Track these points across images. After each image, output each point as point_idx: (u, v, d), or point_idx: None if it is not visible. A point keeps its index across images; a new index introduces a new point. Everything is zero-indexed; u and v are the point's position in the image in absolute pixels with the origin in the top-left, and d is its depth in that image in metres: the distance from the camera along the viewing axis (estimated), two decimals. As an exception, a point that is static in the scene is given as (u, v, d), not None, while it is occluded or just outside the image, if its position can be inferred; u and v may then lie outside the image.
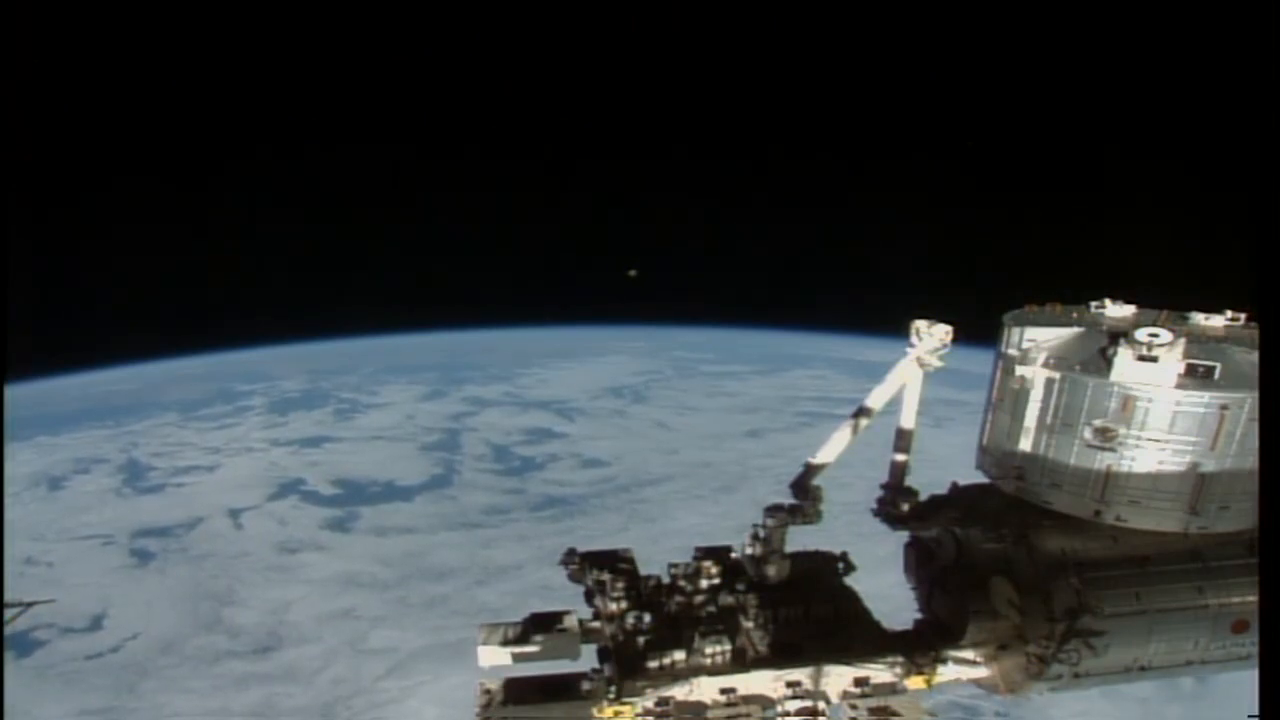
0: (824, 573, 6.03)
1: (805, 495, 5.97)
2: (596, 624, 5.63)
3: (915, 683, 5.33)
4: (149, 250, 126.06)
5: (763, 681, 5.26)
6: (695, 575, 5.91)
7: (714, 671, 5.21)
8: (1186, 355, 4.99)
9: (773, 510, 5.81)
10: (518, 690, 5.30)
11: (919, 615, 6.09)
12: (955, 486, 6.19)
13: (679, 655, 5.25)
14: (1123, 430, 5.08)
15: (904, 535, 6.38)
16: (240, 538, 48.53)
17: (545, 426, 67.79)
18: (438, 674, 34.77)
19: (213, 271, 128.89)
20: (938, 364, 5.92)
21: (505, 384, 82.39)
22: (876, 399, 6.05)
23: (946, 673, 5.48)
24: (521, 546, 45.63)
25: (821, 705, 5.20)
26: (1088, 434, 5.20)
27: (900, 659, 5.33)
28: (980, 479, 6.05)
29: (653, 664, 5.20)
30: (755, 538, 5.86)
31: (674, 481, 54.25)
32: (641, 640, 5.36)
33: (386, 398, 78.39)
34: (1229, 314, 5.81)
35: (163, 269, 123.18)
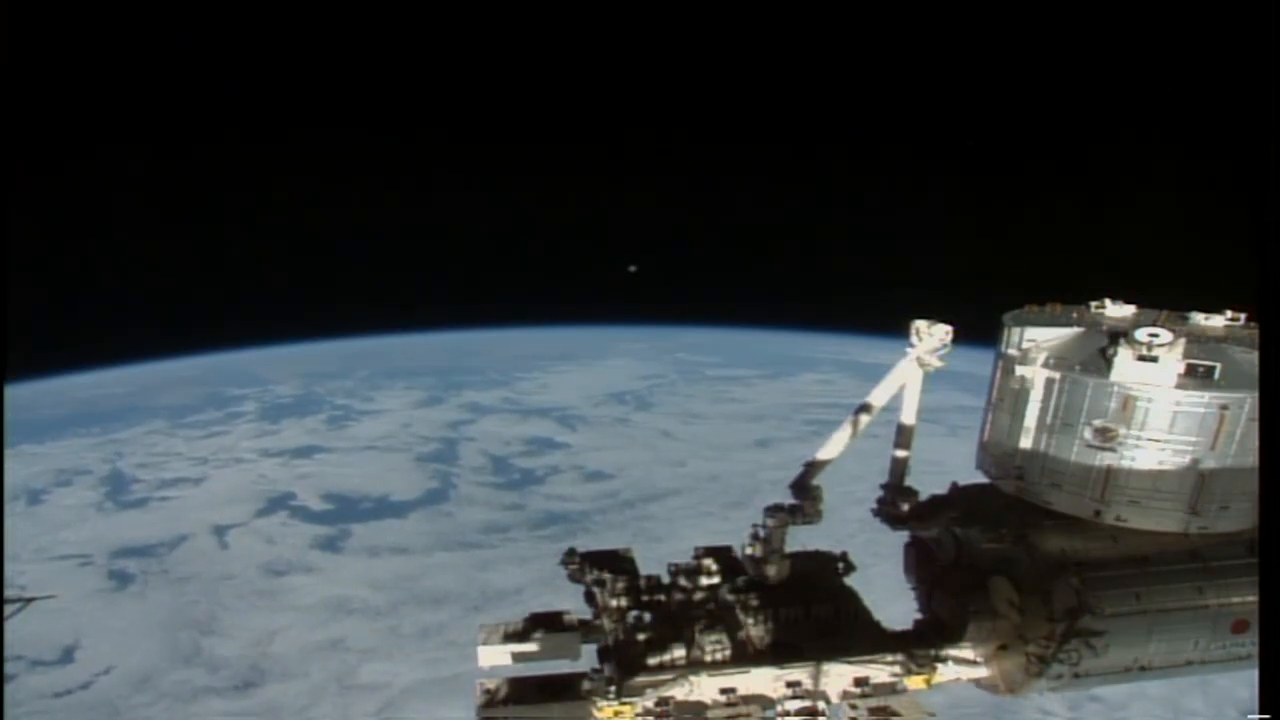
0: (824, 573, 6.34)
1: (805, 495, 6.29)
2: (597, 622, 5.97)
3: (915, 683, 5.62)
4: (142, 249, 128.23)
5: (763, 681, 5.57)
6: (695, 573, 6.25)
7: (714, 668, 5.52)
8: (1186, 355, 5.29)
9: (773, 510, 6.14)
10: (518, 690, 5.64)
11: (919, 615, 6.38)
12: (955, 486, 6.49)
13: (679, 652, 5.57)
14: (1123, 430, 5.38)
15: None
16: (225, 558, 48.62)
17: (546, 436, 68.05)
18: (432, 713, 34.24)
19: (207, 271, 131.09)
20: (938, 364, 6.25)
21: (504, 389, 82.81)
22: (877, 398, 6.39)
23: (946, 672, 5.77)
24: (521, 569, 45.55)
25: (821, 705, 5.50)
26: (1088, 434, 5.50)
27: (900, 659, 5.62)
28: (980, 479, 6.35)
29: (653, 661, 5.51)
30: (755, 538, 6.18)
31: (681, 496, 54.34)
32: (641, 639, 5.69)
33: (381, 404, 78.97)
34: (1229, 314, 6.10)
35: (156, 268, 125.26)
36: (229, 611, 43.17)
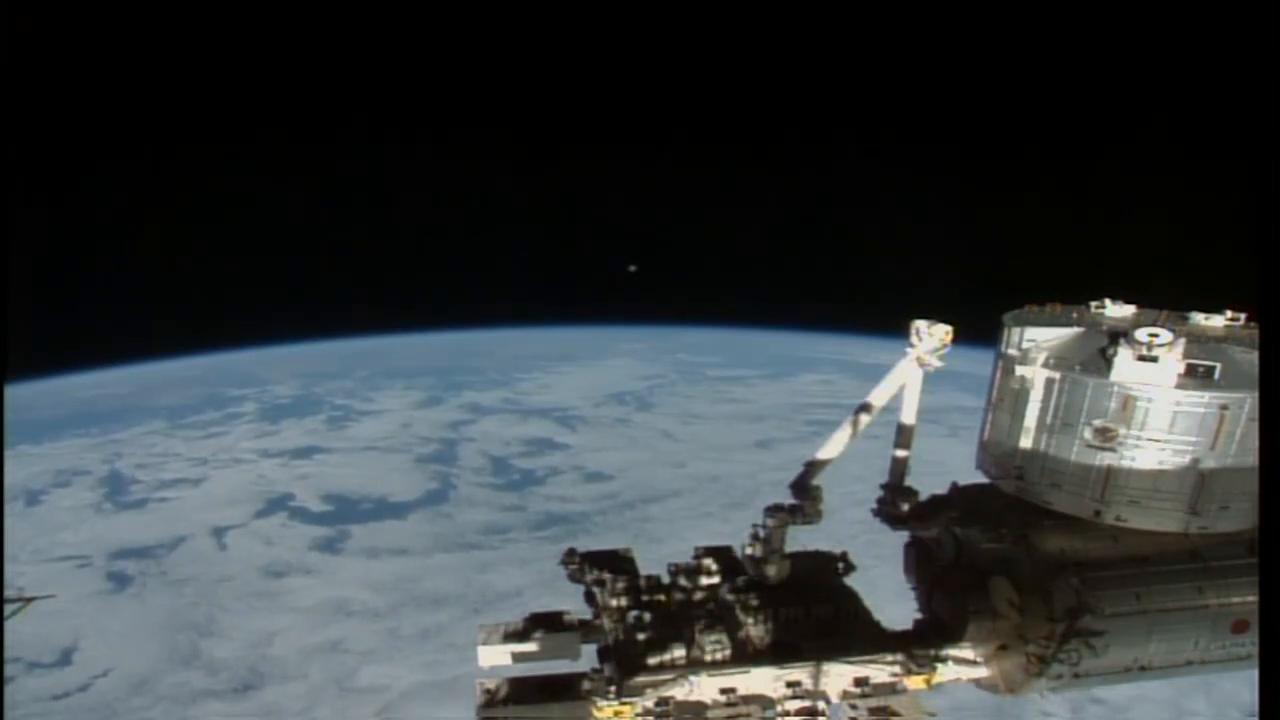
0: (824, 573, 6.37)
1: (805, 495, 6.32)
2: (597, 622, 6.00)
3: (915, 683, 5.64)
4: (140, 248, 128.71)
5: (763, 681, 5.60)
6: (695, 573, 6.28)
7: (714, 668, 5.55)
8: (1186, 355, 5.31)
9: (773, 510, 6.17)
10: (518, 690, 5.67)
11: (919, 615, 6.41)
12: (955, 486, 6.52)
13: (679, 652, 5.60)
14: (1123, 430, 5.40)
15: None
16: (224, 559, 48.68)
17: (546, 436, 68.18)
18: (432, 716, 34.36)
19: (207, 271, 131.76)
20: (938, 364, 6.28)
21: (504, 389, 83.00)
22: (877, 398, 6.43)
23: (946, 672, 5.80)
24: (521, 571, 45.60)
25: (821, 705, 5.53)
26: (1088, 434, 5.52)
27: (900, 659, 5.65)
28: (980, 479, 6.38)
29: (653, 661, 5.54)
30: (755, 538, 6.21)
31: (681, 498, 54.41)
32: (641, 639, 5.71)
33: (381, 404, 79.14)
34: (1229, 314, 6.13)
35: (155, 267, 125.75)
36: (228, 613, 43.18)
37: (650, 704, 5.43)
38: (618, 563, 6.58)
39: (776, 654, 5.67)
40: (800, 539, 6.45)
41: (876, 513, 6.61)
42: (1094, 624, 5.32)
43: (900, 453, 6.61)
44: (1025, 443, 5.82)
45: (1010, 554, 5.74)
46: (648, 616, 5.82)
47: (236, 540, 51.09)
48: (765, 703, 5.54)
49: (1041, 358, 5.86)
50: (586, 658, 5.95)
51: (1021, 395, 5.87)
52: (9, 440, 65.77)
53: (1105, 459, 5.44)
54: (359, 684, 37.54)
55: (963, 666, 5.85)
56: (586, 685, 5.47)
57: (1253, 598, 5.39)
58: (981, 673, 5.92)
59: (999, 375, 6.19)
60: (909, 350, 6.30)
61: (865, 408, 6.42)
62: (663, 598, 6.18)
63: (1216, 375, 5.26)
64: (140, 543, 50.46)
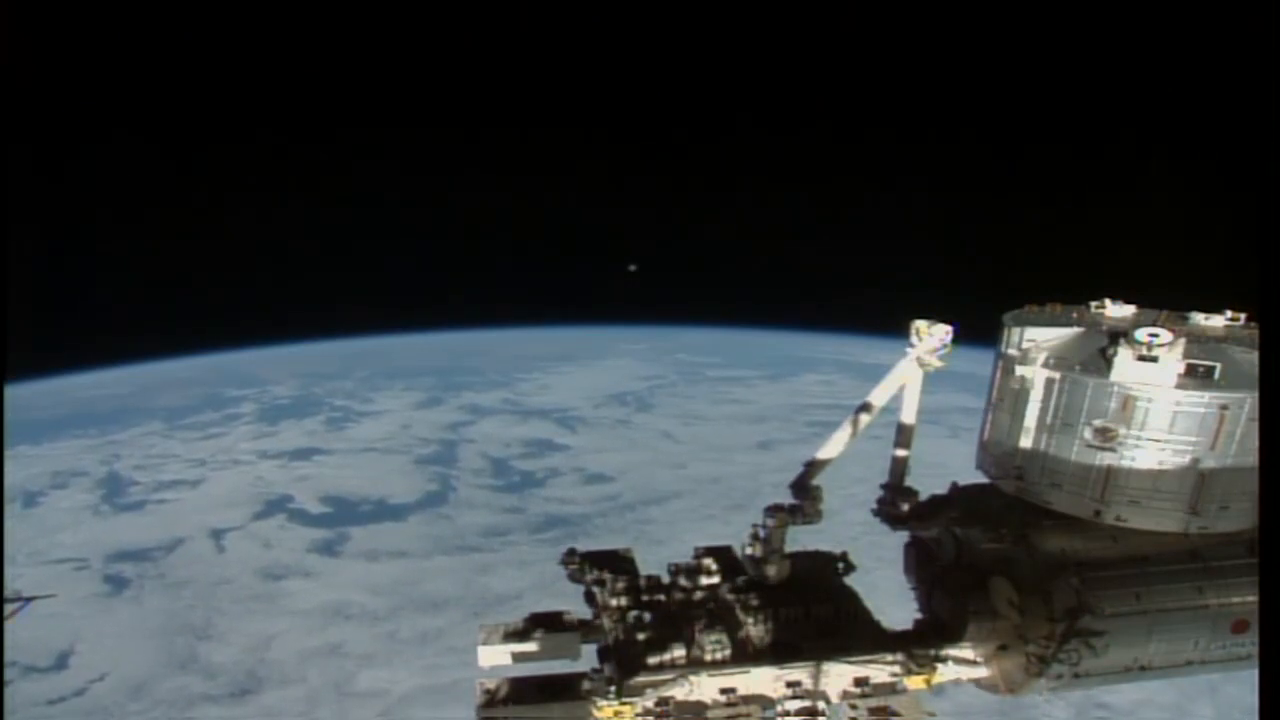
0: (824, 573, 6.40)
1: (805, 495, 6.35)
2: (597, 622, 6.03)
3: (915, 683, 5.67)
4: (140, 247, 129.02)
5: (763, 681, 5.63)
6: (695, 573, 6.31)
7: (714, 668, 5.58)
8: (1186, 355, 5.35)
9: (773, 510, 6.20)
10: (518, 690, 5.70)
11: (919, 615, 6.44)
12: (955, 486, 6.55)
13: (679, 652, 5.63)
14: (1123, 430, 5.44)
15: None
16: (222, 561, 48.67)
17: (546, 438, 68.19)
18: (431, 719, 34.62)
19: (206, 271, 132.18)
20: (938, 364, 6.32)
21: (504, 390, 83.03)
22: (877, 398, 6.46)
23: (946, 672, 5.83)
24: (521, 573, 45.59)
25: (821, 705, 5.56)
26: (1088, 434, 5.55)
27: (900, 659, 5.68)
28: (980, 479, 6.41)
29: (653, 661, 5.57)
30: (755, 538, 6.24)
31: (682, 499, 54.40)
32: (641, 639, 5.74)
33: (381, 405, 79.15)
34: (1229, 314, 6.16)
35: (155, 268, 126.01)
36: (226, 616, 43.13)
37: (650, 704, 5.46)
38: (618, 562, 6.62)
39: (776, 654, 5.70)
40: (801, 539, 6.49)
41: (877, 513, 6.64)
42: (1094, 624, 5.36)
43: (900, 453, 6.64)
44: (1025, 443, 5.85)
45: (1010, 554, 5.77)
46: (648, 616, 5.85)
47: (235, 542, 51.08)
48: (765, 703, 5.57)
49: (1041, 358, 5.89)
50: (586, 658, 5.98)
51: (1021, 395, 5.90)
52: (8, 441, 65.75)
53: (1105, 459, 5.47)
54: (358, 688, 37.50)
55: (963, 666, 5.88)
56: (586, 685, 5.50)
57: (1253, 598, 5.42)
58: (981, 673, 5.95)
59: (999, 375, 6.23)
60: (909, 350, 6.33)
61: (865, 408, 6.45)
62: (663, 598, 6.21)
63: (1216, 375, 5.29)
64: (138, 545, 50.42)
